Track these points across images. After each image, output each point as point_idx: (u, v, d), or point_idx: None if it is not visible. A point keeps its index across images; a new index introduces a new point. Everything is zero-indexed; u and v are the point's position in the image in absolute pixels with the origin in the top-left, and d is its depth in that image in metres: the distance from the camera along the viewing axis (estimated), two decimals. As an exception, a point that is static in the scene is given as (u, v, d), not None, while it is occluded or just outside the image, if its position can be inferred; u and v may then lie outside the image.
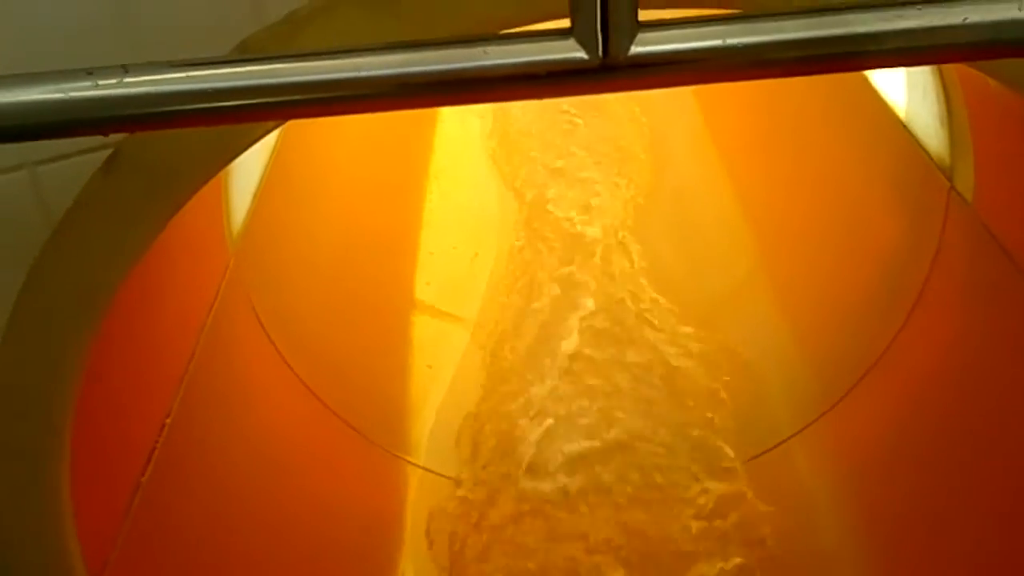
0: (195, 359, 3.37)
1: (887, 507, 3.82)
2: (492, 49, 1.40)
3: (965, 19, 1.37)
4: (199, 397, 3.31)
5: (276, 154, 4.36)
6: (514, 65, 1.40)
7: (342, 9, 2.12)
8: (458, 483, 4.25)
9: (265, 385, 3.97)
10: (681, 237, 5.68)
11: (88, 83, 1.40)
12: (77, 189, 2.34)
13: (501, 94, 1.46)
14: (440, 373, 4.86)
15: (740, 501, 4.13)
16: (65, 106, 1.40)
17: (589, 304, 5.23)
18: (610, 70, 1.40)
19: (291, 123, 4.49)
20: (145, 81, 1.42)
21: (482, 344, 5.05)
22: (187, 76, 1.42)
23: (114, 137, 2.40)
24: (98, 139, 2.37)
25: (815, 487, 4.14)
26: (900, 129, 4.24)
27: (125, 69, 1.41)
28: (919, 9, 1.38)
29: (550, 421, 4.54)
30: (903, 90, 4.25)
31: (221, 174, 3.82)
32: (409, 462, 4.34)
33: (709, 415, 4.51)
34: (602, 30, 1.37)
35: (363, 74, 1.40)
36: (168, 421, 3.12)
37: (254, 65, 1.43)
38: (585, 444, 4.42)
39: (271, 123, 2.40)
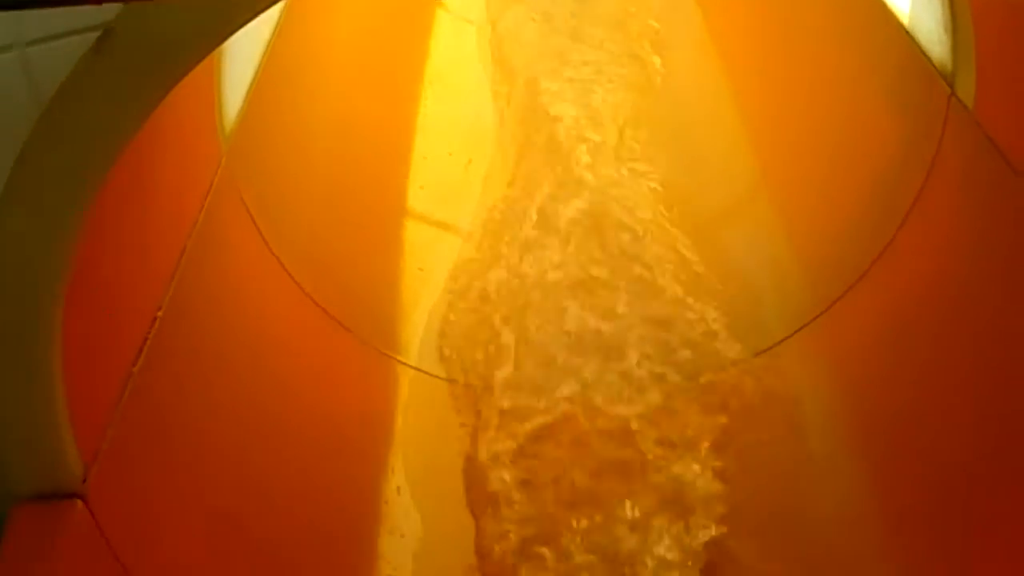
0: (187, 254, 3.34)
1: (878, 410, 3.84)
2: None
3: None
4: (191, 292, 3.30)
5: (270, 52, 4.30)
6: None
7: None
8: (449, 382, 4.28)
9: (257, 283, 3.95)
10: (680, 146, 5.63)
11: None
12: (67, 70, 2.30)
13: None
14: (432, 276, 4.85)
15: (732, 398, 4.16)
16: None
17: (584, 211, 5.19)
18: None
19: (285, 19, 4.44)
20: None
21: (475, 249, 5.03)
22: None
23: (105, 17, 2.37)
24: (88, 19, 2.33)
25: (807, 389, 4.17)
26: (903, 35, 4.18)
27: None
28: None
29: (543, 323, 4.55)
30: (907, -4, 4.20)
31: (214, 69, 3.78)
32: (401, 362, 4.35)
33: (705, 317, 4.52)
34: None
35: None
36: (160, 314, 3.11)
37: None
38: (580, 339, 4.44)
39: None
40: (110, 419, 2.80)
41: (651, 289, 4.76)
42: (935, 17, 3.94)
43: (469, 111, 5.97)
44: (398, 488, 3.92)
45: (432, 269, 4.90)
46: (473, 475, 4.03)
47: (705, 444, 4.02)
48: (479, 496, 3.95)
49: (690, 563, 3.68)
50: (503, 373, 4.34)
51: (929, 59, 3.99)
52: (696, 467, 3.93)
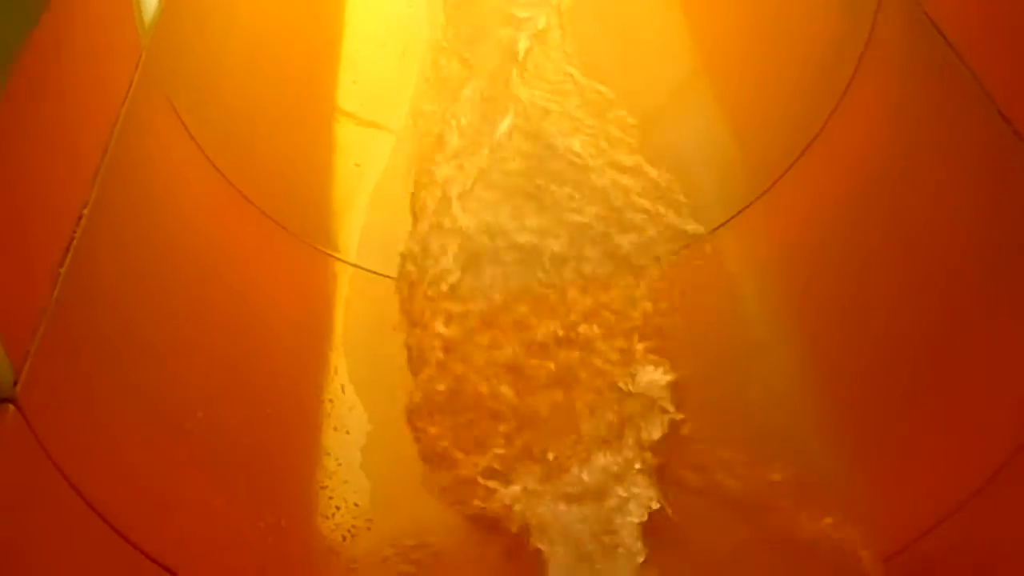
0: (110, 151, 3.23)
1: (816, 291, 3.88)
2: None
3: None
4: (116, 190, 3.20)
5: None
6: None
7: None
8: (388, 279, 4.23)
9: (185, 180, 3.85)
10: (618, 36, 5.53)
11: None
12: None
13: None
14: (368, 173, 4.76)
15: (673, 284, 4.17)
16: None
17: (520, 102, 5.11)
18: None
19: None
20: None
21: (411, 142, 4.94)
22: None
23: None
24: None
25: (747, 272, 4.19)
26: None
27: None
28: None
29: (481, 216, 4.50)
30: None
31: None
32: (339, 259, 4.29)
33: (644, 204, 4.49)
34: None
35: None
36: (85, 212, 3.01)
37: None
38: (519, 231, 4.41)
39: None
40: (39, 322, 2.72)
41: (589, 179, 4.71)
42: None
43: (400, 1, 5.82)
44: (342, 387, 3.90)
45: (368, 166, 4.81)
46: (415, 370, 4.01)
47: (647, 329, 4.03)
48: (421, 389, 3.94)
49: (636, 449, 3.70)
50: (441, 267, 4.30)
51: (864, -67, 3.95)
52: (638, 351, 3.94)
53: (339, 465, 3.61)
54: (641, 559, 3.41)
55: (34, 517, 2.58)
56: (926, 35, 3.55)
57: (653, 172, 4.67)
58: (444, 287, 4.25)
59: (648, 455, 3.66)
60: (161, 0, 3.91)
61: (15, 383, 2.59)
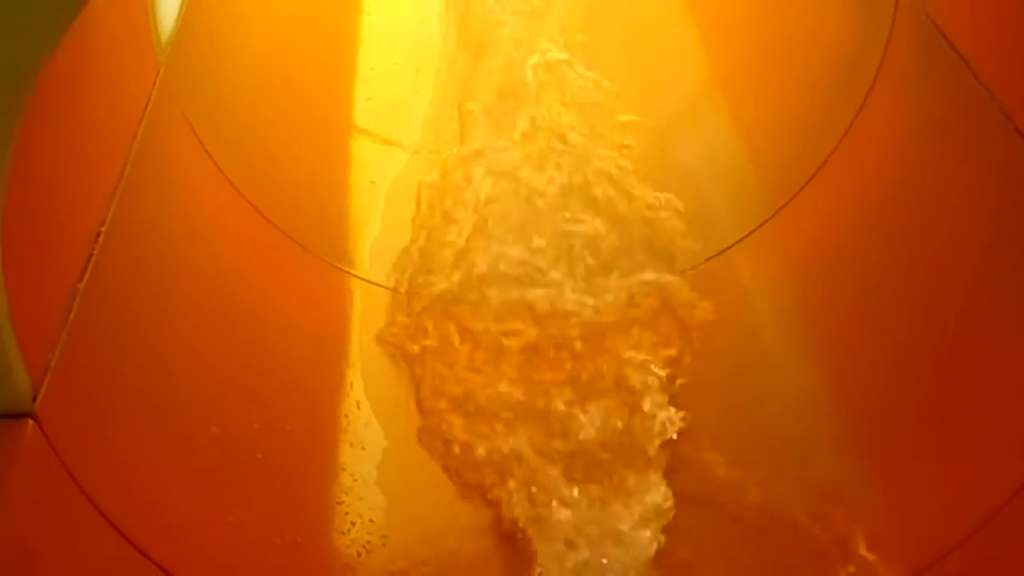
0: (128, 168, 3.27)
1: (829, 308, 3.87)
2: None
3: None
4: (134, 207, 3.23)
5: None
6: None
7: None
8: (399, 294, 4.24)
9: (202, 196, 3.88)
10: (632, 50, 5.55)
11: None
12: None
13: None
14: (382, 189, 4.78)
15: (687, 301, 4.17)
16: None
17: (533, 119, 5.13)
18: None
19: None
20: None
21: (425, 160, 4.96)
22: None
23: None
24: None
25: (760, 290, 4.18)
26: (852, -69, 4.14)
27: None
28: None
29: (495, 232, 4.51)
30: None
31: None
32: (354, 275, 4.31)
33: (658, 220, 4.50)
34: None
35: None
36: (103, 229, 3.04)
37: None
38: (533, 246, 4.42)
39: None
40: (58, 337, 2.75)
41: (603, 194, 4.72)
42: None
43: (414, 18, 5.84)
44: (357, 402, 3.91)
45: (382, 182, 4.83)
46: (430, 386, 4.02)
47: (660, 344, 4.03)
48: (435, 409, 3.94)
49: (650, 462, 3.70)
50: (456, 281, 4.31)
51: (879, -49, 3.96)
52: (650, 367, 3.94)
53: (355, 481, 3.61)
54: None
55: (52, 530, 2.60)
56: (941, 52, 3.56)
57: (667, 188, 4.68)
58: (449, 302, 4.26)
59: (660, 468, 3.66)
60: (178, 18, 3.94)
61: (34, 398, 2.61)
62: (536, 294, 4.29)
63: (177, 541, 2.98)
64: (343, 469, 3.66)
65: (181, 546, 2.98)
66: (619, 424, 3.79)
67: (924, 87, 3.78)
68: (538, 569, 3.42)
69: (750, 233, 4.27)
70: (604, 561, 3.43)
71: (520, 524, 3.51)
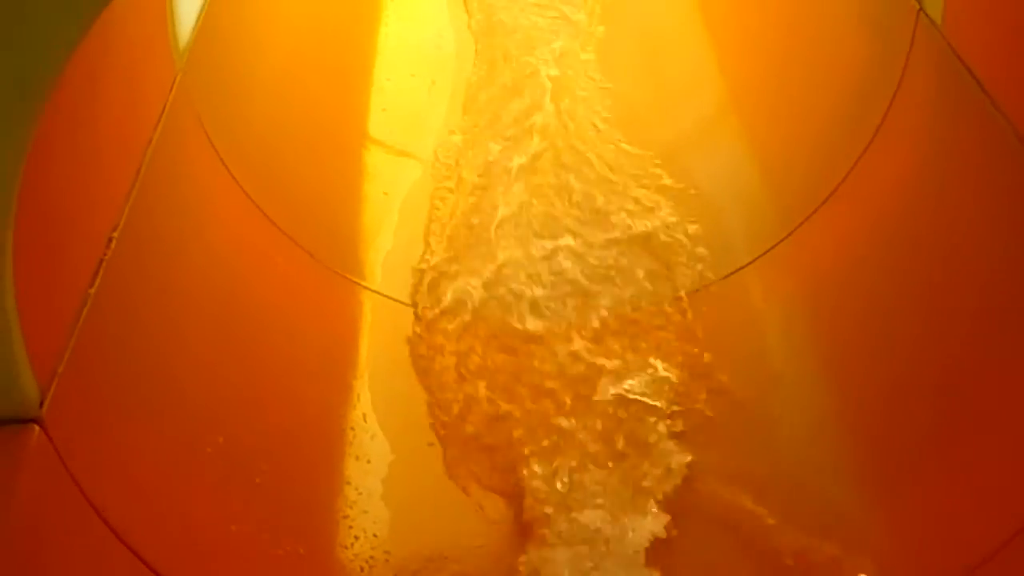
0: (142, 174, 3.27)
1: (842, 332, 3.85)
2: None
3: None
4: (147, 213, 3.22)
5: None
6: None
7: None
8: (410, 307, 4.24)
9: (215, 205, 3.88)
10: (647, 68, 5.55)
11: None
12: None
13: None
14: (396, 200, 4.78)
15: (698, 321, 4.15)
16: None
17: (547, 135, 5.12)
18: None
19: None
20: None
21: (438, 172, 4.96)
22: None
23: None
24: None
25: (772, 312, 4.17)
26: (871, -48, 4.13)
27: None
28: None
29: (507, 249, 4.51)
30: (877, -92, 4.13)
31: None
32: (364, 287, 4.30)
33: (670, 241, 4.49)
34: None
35: None
36: (115, 235, 3.04)
37: None
38: (543, 265, 4.41)
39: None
40: (66, 343, 2.74)
41: (615, 215, 4.72)
42: (904, -69, 3.88)
43: (431, 31, 5.86)
44: (364, 415, 3.89)
45: (396, 194, 4.82)
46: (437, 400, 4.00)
47: (670, 364, 4.01)
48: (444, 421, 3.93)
49: (659, 486, 3.68)
50: (467, 295, 4.30)
51: (898, -26, 3.95)
52: (660, 386, 3.93)
53: (359, 494, 3.60)
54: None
55: (55, 537, 2.59)
56: (958, 77, 3.54)
57: (680, 207, 4.67)
58: (461, 316, 4.25)
59: (667, 489, 3.64)
60: (196, 25, 3.95)
61: (41, 404, 2.60)
62: (548, 309, 4.28)
63: (180, 551, 2.96)
64: (348, 482, 3.65)
65: (184, 556, 2.97)
66: (625, 446, 3.77)
67: (941, 112, 3.76)
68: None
69: (762, 254, 4.26)
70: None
71: (525, 545, 3.50)
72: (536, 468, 3.71)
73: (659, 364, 4.02)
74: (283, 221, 4.07)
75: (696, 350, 4.07)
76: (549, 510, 3.58)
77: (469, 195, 4.80)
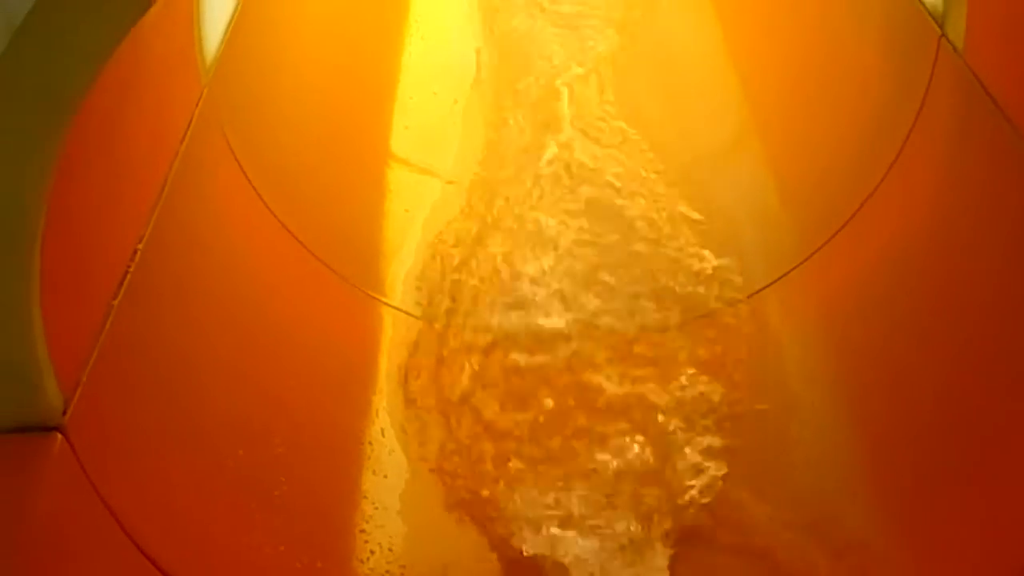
0: (168, 187, 3.31)
1: (860, 355, 3.84)
2: None
3: None
4: (172, 226, 3.26)
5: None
6: None
7: None
8: (431, 322, 4.25)
9: (239, 219, 3.91)
10: (667, 90, 5.57)
11: None
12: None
13: None
14: (417, 217, 4.81)
15: (717, 344, 4.15)
16: None
17: (566, 154, 5.15)
18: None
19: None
20: None
21: (460, 189, 4.99)
22: None
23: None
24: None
25: (791, 334, 4.16)
26: (894, -25, 4.14)
27: None
28: None
29: (528, 263, 4.52)
30: (900, -65, 4.14)
31: (193, 2, 3.72)
32: (384, 303, 4.32)
33: (689, 263, 4.50)
34: None
35: None
36: (140, 247, 3.07)
37: None
38: (560, 284, 4.43)
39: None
40: (90, 352, 2.77)
41: (635, 235, 4.73)
42: (926, -41, 3.90)
43: (454, 51, 5.91)
44: (382, 430, 3.91)
45: (417, 211, 4.85)
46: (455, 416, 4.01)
47: (687, 387, 4.01)
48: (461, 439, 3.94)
49: (676, 507, 3.68)
50: (486, 313, 4.32)
51: (920, 0, 3.96)
52: (677, 408, 3.93)
53: (376, 509, 3.61)
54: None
55: (75, 545, 2.61)
56: (979, 103, 3.54)
57: (698, 230, 4.68)
58: (481, 333, 4.26)
59: (684, 510, 3.64)
60: (223, 42, 3.99)
61: (64, 412, 2.63)
62: (568, 330, 4.29)
63: (198, 560, 2.98)
64: (365, 497, 3.66)
65: (201, 565, 2.99)
66: (641, 468, 3.77)
67: (961, 138, 3.76)
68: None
69: (781, 277, 4.26)
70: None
71: (540, 562, 3.50)
72: (553, 485, 3.72)
73: (676, 388, 4.02)
74: (305, 236, 4.10)
75: (713, 372, 4.07)
76: (564, 527, 3.59)
77: (490, 212, 4.82)
